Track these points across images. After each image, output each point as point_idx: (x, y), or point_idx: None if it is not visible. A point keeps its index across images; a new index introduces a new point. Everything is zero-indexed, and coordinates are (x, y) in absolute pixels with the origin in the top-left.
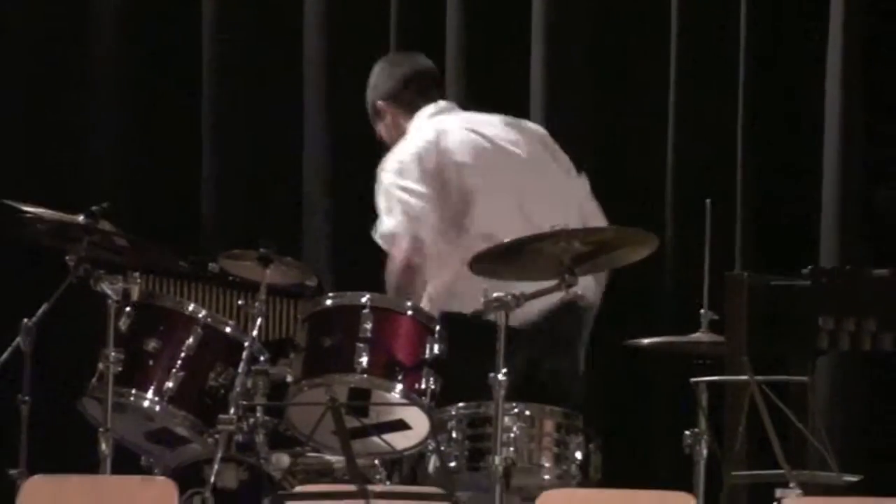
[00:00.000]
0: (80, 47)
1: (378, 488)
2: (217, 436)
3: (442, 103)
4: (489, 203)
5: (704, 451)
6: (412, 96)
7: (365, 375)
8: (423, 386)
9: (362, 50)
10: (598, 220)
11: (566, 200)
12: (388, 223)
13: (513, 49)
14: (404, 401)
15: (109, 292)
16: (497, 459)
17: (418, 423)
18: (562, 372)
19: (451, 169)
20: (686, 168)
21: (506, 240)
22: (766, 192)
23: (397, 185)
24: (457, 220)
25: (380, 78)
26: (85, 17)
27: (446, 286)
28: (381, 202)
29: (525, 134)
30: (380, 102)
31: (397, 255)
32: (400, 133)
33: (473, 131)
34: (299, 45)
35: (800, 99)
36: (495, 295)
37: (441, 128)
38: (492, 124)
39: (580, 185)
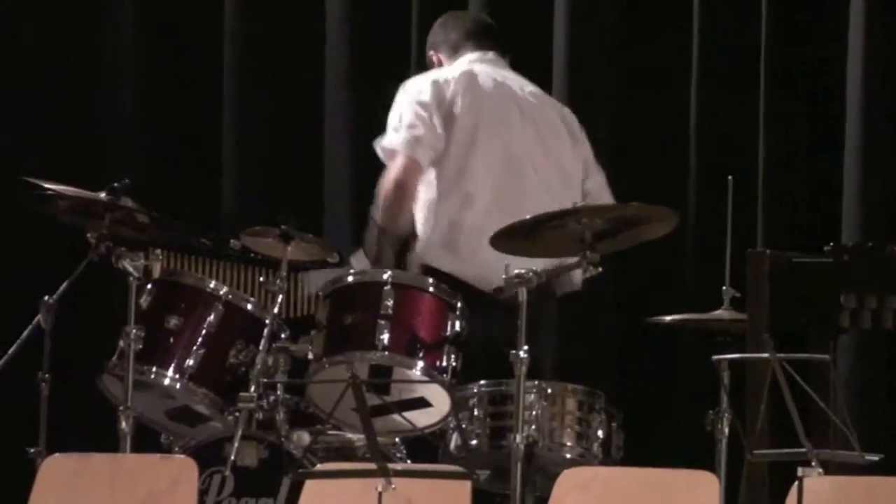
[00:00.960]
0: (101, 21)
1: (399, 467)
2: (237, 413)
3: (490, 54)
4: (485, 156)
5: (726, 429)
6: (460, 41)
7: (386, 353)
8: (444, 363)
9: (384, 31)
10: (603, 195)
11: (566, 177)
12: (390, 138)
13: (535, 23)
14: (425, 378)
15: (131, 269)
16: (519, 438)
17: (439, 400)
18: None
19: (464, 108)
20: (708, 145)
21: (479, 197)
22: (787, 168)
23: (410, 105)
24: (458, 160)
25: (435, 32)
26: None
27: (441, 235)
28: (392, 117)
29: (547, 105)
30: (431, 52)
31: (391, 171)
32: None
33: (500, 83)
34: (322, 24)
35: (822, 75)
36: (516, 271)
37: (471, 70)
38: (521, 86)
39: (583, 161)
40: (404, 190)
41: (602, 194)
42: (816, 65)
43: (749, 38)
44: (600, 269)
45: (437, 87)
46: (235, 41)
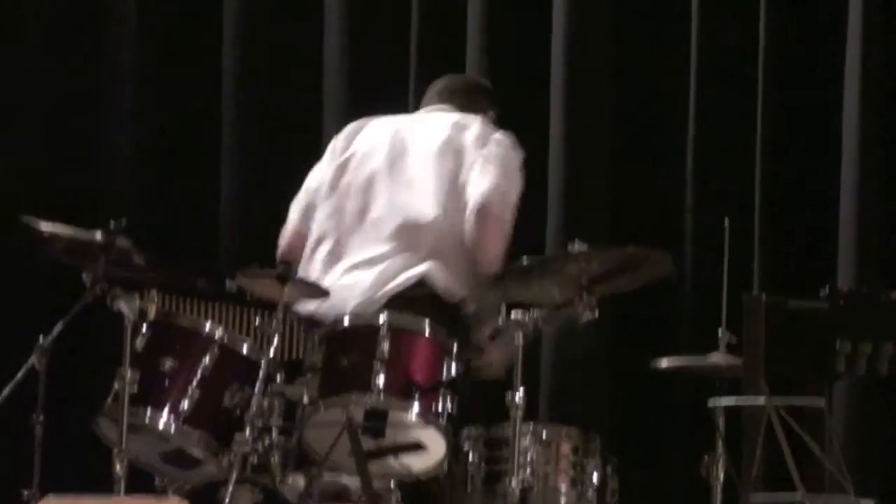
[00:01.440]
0: (98, 64)
1: None
2: (232, 457)
3: (438, 107)
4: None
5: (721, 474)
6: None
7: (381, 396)
8: (440, 407)
9: (383, 73)
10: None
11: (424, 189)
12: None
13: (533, 62)
14: (421, 421)
15: (126, 311)
16: (514, 482)
17: (435, 444)
18: None
19: (343, 154)
20: (704, 188)
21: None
22: (784, 212)
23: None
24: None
25: None
26: (104, 35)
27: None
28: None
29: (427, 122)
30: None
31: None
32: None
33: (389, 124)
34: (320, 64)
35: (818, 120)
36: (513, 316)
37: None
38: (407, 119)
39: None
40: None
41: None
42: (813, 108)
43: (746, 77)
44: (597, 312)
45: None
46: (234, 79)
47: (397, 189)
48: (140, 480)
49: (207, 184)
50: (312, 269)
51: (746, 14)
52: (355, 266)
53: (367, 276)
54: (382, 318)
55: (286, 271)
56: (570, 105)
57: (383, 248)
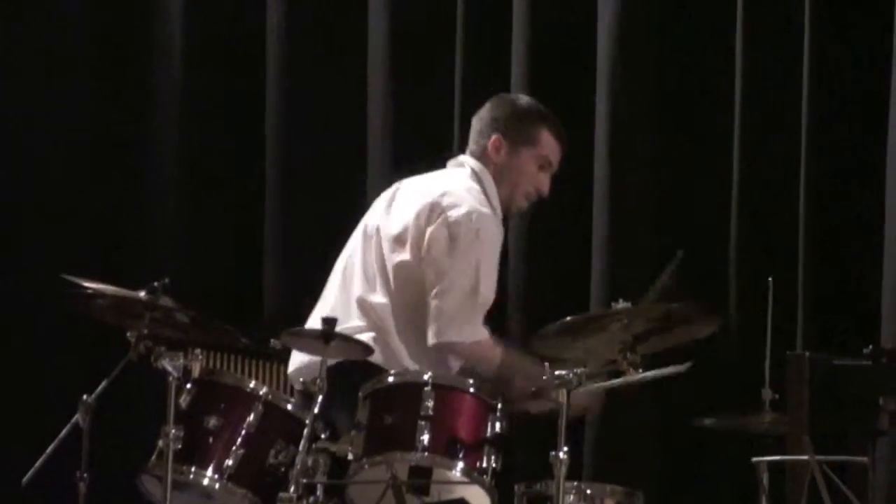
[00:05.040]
0: (142, 117)
1: None
2: None
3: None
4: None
5: None
6: None
7: (426, 453)
8: (484, 464)
9: (426, 122)
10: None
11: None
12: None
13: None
14: (465, 479)
15: (170, 369)
16: None
17: (479, 501)
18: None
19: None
20: (749, 247)
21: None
22: (828, 272)
23: None
24: None
25: None
26: (145, 89)
27: None
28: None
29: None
30: None
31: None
32: None
33: (383, 199)
34: (364, 111)
35: (862, 173)
36: (557, 373)
37: None
38: (397, 188)
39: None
40: None
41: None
42: (853, 176)
43: (789, 147)
44: (641, 371)
45: None
46: (278, 129)
47: (358, 273)
48: None
49: (251, 241)
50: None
51: (790, 57)
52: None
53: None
54: (427, 376)
55: (329, 330)
56: (613, 158)
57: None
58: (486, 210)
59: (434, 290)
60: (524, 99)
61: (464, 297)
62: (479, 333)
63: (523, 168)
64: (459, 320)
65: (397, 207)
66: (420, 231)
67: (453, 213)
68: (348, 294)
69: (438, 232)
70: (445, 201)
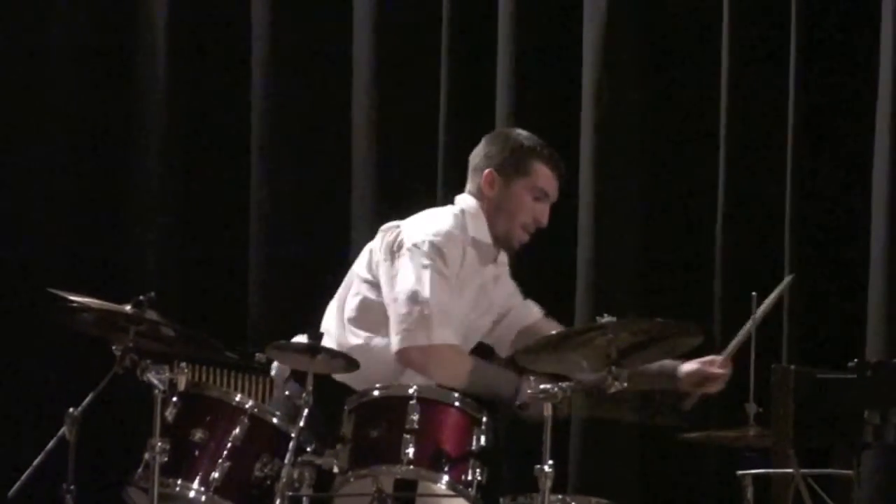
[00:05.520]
0: (126, 127)
1: None
2: None
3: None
4: None
5: None
6: None
7: (411, 466)
8: (469, 477)
9: (411, 132)
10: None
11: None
12: None
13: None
14: (451, 492)
15: (156, 382)
16: None
17: None
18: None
19: None
20: (733, 261)
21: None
22: (812, 285)
23: None
24: None
25: None
26: (131, 112)
27: None
28: None
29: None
30: None
31: None
32: None
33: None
34: (348, 124)
35: (846, 190)
36: (542, 386)
37: None
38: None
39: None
40: None
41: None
42: (842, 179)
43: (776, 150)
44: (625, 384)
45: None
46: (261, 146)
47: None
48: None
49: (236, 255)
50: None
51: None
52: None
53: None
54: (412, 390)
55: (315, 344)
56: (599, 176)
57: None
58: (449, 231)
59: (387, 301)
60: (517, 132)
61: (411, 303)
62: (437, 338)
63: (518, 200)
64: (411, 326)
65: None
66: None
67: (408, 238)
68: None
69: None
70: (404, 234)
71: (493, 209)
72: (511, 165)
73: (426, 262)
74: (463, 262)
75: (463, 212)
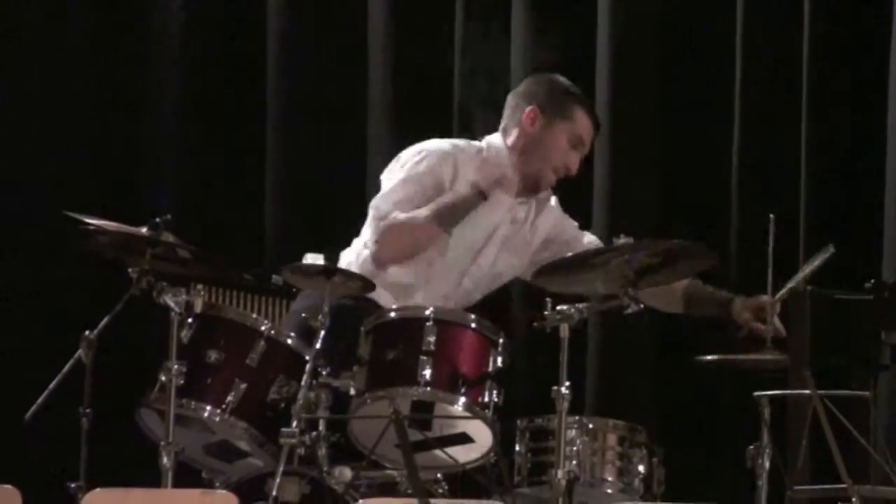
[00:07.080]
0: (144, 57)
1: (441, 502)
2: (280, 449)
3: None
4: None
5: (767, 465)
6: None
7: (428, 388)
8: (486, 399)
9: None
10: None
11: None
12: None
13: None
14: (467, 414)
15: (172, 304)
16: (560, 473)
17: (481, 436)
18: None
19: None
20: (750, 183)
21: None
22: (829, 206)
23: None
24: None
25: None
26: (148, 29)
27: None
28: None
29: None
30: None
31: None
32: None
33: None
34: (365, 52)
35: (863, 113)
36: (559, 307)
37: None
38: None
39: None
40: None
41: None
42: (858, 102)
43: (790, 69)
44: (642, 305)
45: None
46: (280, 70)
47: None
48: (187, 474)
49: (253, 177)
50: None
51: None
52: None
53: None
54: (428, 311)
55: (330, 265)
56: (615, 107)
57: None
58: (436, 147)
59: None
60: (562, 78)
61: (375, 217)
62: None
63: (556, 142)
64: (375, 236)
65: None
66: None
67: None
68: None
69: None
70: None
71: (529, 146)
72: (555, 107)
73: (399, 175)
74: (456, 177)
75: (487, 145)
